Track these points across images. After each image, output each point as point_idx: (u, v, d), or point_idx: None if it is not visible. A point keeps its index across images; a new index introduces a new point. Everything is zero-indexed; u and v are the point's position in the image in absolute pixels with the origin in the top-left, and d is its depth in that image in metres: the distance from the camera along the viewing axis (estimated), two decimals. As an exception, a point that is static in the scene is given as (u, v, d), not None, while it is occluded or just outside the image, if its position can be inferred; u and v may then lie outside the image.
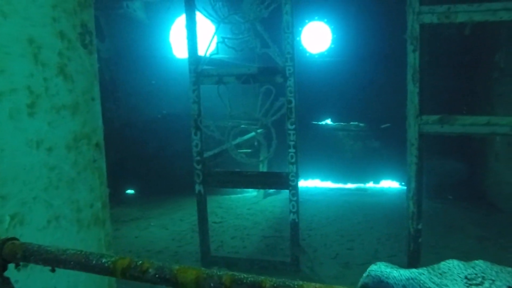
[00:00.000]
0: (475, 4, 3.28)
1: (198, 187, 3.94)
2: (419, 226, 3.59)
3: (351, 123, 7.62)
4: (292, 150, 3.76)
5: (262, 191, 7.07)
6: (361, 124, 7.57)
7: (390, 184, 7.65)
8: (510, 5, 3.22)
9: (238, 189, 7.42)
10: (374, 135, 7.56)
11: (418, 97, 3.42)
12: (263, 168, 6.76)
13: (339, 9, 7.35)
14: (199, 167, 3.92)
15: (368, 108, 7.49)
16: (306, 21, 7.39)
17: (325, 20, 7.52)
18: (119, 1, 6.08)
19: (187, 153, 7.54)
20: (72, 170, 2.08)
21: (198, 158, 3.92)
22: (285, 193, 6.97)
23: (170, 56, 7.42)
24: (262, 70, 3.76)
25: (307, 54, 7.46)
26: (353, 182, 7.73)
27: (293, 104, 3.69)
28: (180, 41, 7.47)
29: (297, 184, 3.79)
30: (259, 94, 3.74)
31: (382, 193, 7.27)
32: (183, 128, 7.52)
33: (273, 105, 3.75)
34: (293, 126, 3.72)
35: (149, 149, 7.49)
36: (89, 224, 2.16)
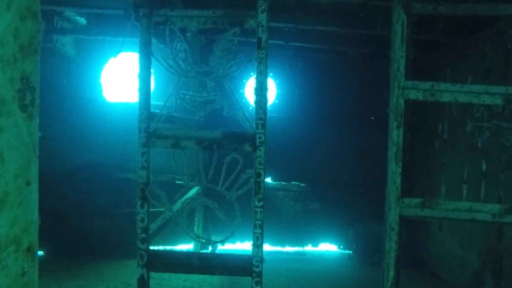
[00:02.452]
0: (458, 85, 3.14)
1: (141, 271, 3.20)
2: (396, 320, 3.21)
3: (292, 182, 7.31)
4: (258, 230, 3.23)
5: (197, 246, 6.38)
6: (302, 184, 7.28)
7: (328, 247, 7.37)
8: (491, 89, 3.12)
9: (167, 243, 6.66)
10: (315, 196, 7.30)
11: (400, 177, 3.12)
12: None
13: (285, 63, 7.19)
14: (143, 246, 3.20)
15: (310, 168, 7.26)
16: (251, 73, 7.09)
17: (271, 74, 7.29)
18: (48, 34, 5.26)
19: (111, 209, 6.67)
20: (-12, 302, 1.37)
21: (144, 235, 3.21)
22: (220, 251, 6.35)
23: (100, 99, 6.63)
24: (228, 136, 3.25)
25: (250, 108, 7.11)
26: (291, 245, 7.33)
27: (262, 178, 3.20)
28: (112, 83, 6.74)
29: (261, 270, 3.23)
30: (223, 163, 3.19)
31: (322, 258, 6.93)
32: (108, 181, 6.66)
33: (238, 177, 3.22)
34: (261, 203, 3.22)
35: (66, 203, 6.45)
36: None
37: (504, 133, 4.24)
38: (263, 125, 3.20)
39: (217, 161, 3.20)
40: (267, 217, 7.19)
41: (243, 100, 7.16)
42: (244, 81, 7.13)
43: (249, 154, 3.24)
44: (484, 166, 4.64)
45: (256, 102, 3.19)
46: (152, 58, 3.29)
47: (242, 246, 6.93)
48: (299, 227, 7.27)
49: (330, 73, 7.22)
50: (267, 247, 7.15)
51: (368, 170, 7.17)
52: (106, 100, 6.62)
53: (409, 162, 6.96)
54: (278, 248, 7.26)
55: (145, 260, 3.23)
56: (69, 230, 6.39)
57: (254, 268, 3.22)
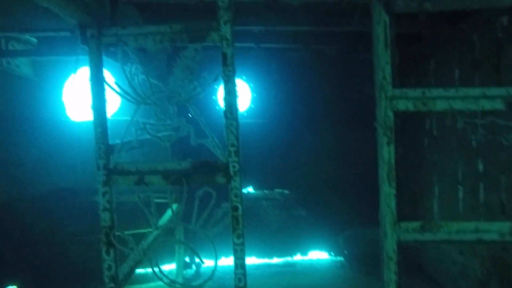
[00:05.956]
0: (451, 89, 2.79)
1: (110, 331, 2.80)
2: None
3: (275, 190, 6.94)
4: (239, 271, 2.85)
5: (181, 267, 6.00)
6: (285, 192, 6.92)
7: (318, 255, 7.03)
8: (490, 92, 2.78)
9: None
10: (300, 203, 6.95)
11: (395, 199, 2.77)
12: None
13: (258, 65, 6.79)
14: (111, 301, 2.80)
15: (292, 174, 6.91)
16: (225, 78, 6.66)
17: (244, 77, 6.89)
18: (-6, 58, 4.78)
19: (85, 235, 6.20)
20: None
21: (112, 285, 2.81)
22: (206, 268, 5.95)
23: (64, 119, 6.15)
24: (198, 167, 2.86)
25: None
26: (279, 256, 6.98)
27: (239, 212, 2.82)
28: (75, 101, 6.26)
29: (247, 315, 2.86)
30: (195, 198, 2.80)
31: (312, 268, 6.59)
32: (80, 205, 6.19)
33: (213, 213, 2.84)
34: (241, 240, 2.84)
35: (36, 232, 5.99)
36: None
37: (502, 131, 3.92)
38: (237, 152, 2.81)
39: (189, 193, 2.82)
40: (252, 228, 6.82)
41: (217, 108, 6.73)
42: (216, 86, 6.71)
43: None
44: (481, 167, 4.32)
45: (227, 127, 2.80)
46: (104, 84, 2.86)
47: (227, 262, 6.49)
48: (286, 236, 6.92)
49: (306, 72, 6.87)
50: (253, 260, 6.79)
51: (352, 172, 6.84)
52: (71, 120, 6.15)
53: (401, 161, 6.65)
54: (266, 261, 6.90)
55: (115, 316, 2.83)
56: (42, 261, 5.94)
57: (238, 314, 2.85)
